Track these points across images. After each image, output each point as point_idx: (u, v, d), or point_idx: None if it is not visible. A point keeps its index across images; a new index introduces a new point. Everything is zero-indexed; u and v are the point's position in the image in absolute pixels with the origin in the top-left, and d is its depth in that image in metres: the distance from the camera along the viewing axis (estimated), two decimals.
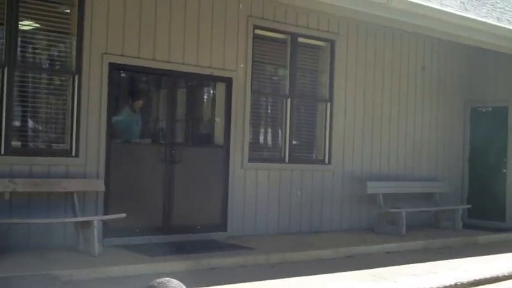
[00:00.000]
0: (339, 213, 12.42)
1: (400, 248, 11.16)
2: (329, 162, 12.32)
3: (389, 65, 13.29)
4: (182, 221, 10.32)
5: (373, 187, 12.51)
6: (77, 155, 9.34)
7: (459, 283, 4.14)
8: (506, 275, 4.45)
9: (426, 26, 10.88)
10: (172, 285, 3.06)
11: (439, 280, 4.02)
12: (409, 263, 9.70)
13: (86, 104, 9.39)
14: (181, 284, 3.12)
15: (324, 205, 12.20)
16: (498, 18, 12.34)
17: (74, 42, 9.43)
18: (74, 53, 9.43)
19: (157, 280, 3.12)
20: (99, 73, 9.52)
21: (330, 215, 12.30)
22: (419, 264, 9.67)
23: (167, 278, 3.14)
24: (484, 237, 12.69)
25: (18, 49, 9.09)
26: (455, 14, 10.94)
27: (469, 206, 14.12)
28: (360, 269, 9.15)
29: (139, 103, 10.85)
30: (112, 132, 10.05)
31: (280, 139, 11.89)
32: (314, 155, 12.50)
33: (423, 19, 10.61)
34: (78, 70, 9.37)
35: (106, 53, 9.58)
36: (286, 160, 11.77)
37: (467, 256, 10.56)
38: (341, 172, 12.45)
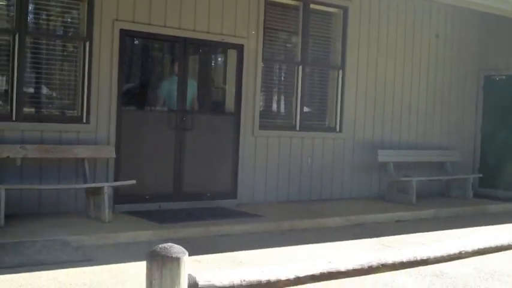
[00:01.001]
0: (349, 182, 12.43)
1: (410, 216, 11.18)
2: (340, 130, 12.31)
3: (402, 32, 13.18)
4: (192, 188, 10.37)
5: (384, 155, 12.50)
6: (88, 122, 9.39)
7: (463, 251, 4.13)
8: None
9: None
10: (174, 251, 3.09)
11: (444, 248, 4.03)
12: (417, 232, 9.75)
13: (96, 70, 9.41)
14: (184, 249, 3.14)
15: (335, 173, 12.21)
16: None
17: (85, 9, 9.43)
18: (85, 19, 9.43)
19: (160, 246, 3.15)
20: (110, 40, 9.52)
21: (341, 183, 12.31)
22: (428, 232, 9.73)
23: (170, 244, 3.17)
24: (494, 207, 12.69)
25: (29, 15, 9.11)
26: None
27: (480, 175, 14.05)
28: (368, 237, 9.21)
29: (175, 65, 10.57)
30: (156, 100, 10.68)
31: (291, 106, 11.87)
32: (325, 122, 12.48)
33: None
34: (89, 36, 9.38)
35: (117, 20, 9.57)
36: (297, 128, 11.75)
37: (476, 225, 10.59)
38: (352, 140, 12.44)
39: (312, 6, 11.84)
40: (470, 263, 7.06)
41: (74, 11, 9.71)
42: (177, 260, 2.91)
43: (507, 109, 14.24)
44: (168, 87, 10.54)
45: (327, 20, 12.43)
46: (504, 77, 14.43)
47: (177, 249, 3.02)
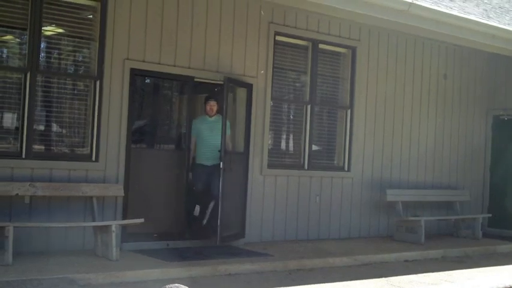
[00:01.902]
0: (358, 221, 12.39)
1: (419, 256, 11.11)
2: (348, 170, 12.31)
3: (410, 71, 13.25)
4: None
5: (392, 195, 12.47)
6: (97, 160, 9.42)
7: None
8: None
9: (448, 34, 10.87)
10: None
11: None
12: (426, 272, 9.69)
13: (106, 109, 9.47)
14: None
15: (343, 212, 12.18)
16: None
17: (96, 48, 9.53)
18: (96, 58, 9.52)
19: (167, 286, 3.15)
20: (121, 79, 9.60)
21: (349, 222, 12.27)
22: (437, 273, 9.65)
23: (176, 284, 3.17)
24: (503, 247, 12.60)
25: (41, 54, 9.21)
26: (477, 22, 10.90)
27: (489, 215, 13.99)
28: (376, 277, 9.14)
29: (211, 105, 10.44)
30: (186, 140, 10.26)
31: (300, 145, 11.89)
32: (334, 161, 12.49)
33: (444, 26, 10.59)
34: (100, 75, 9.46)
35: (127, 59, 9.66)
36: (306, 167, 11.76)
37: (486, 266, 10.52)
38: (360, 179, 12.43)
39: (320, 46, 11.94)
40: None
41: (85, 50, 9.82)
42: None
43: None
44: (199, 126, 10.43)
45: (336, 60, 12.51)
46: None
47: None
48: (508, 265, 10.64)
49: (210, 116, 10.41)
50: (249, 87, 10.91)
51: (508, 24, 11.85)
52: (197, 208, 10.21)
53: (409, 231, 12.30)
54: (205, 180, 10.30)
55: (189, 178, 10.24)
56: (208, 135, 10.32)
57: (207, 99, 10.52)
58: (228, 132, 10.39)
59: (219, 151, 9.97)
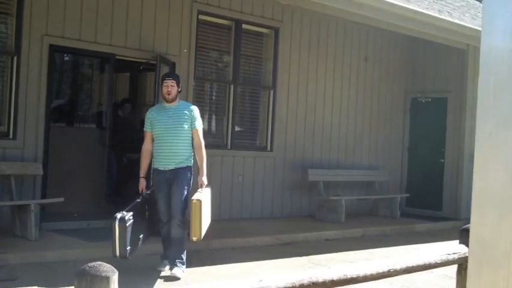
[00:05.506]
0: (280, 200, 12.49)
1: (340, 235, 11.29)
2: (271, 149, 12.37)
3: (332, 54, 13.38)
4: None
5: (314, 174, 12.62)
6: (14, 138, 9.18)
7: (392, 269, 4.19)
8: (439, 262, 4.54)
9: (368, 16, 10.99)
10: (103, 269, 3.01)
11: (373, 267, 4.08)
12: (347, 250, 9.86)
13: (24, 86, 9.22)
14: (114, 268, 3.08)
15: (266, 192, 12.25)
16: (439, 10, 12.56)
17: (13, 23, 9.24)
18: (13, 34, 9.24)
19: (89, 264, 3.07)
20: (39, 55, 9.36)
21: (271, 201, 12.36)
22: (357, 251, 9.84)
23: (99, 262, 3.10)
24: (421, 226, 12.96)
25: None
26: (397, 5, 11.06)
27: (407, 195, 14.36)
28: (298, 255, 9.24)
29: (168, 85, 7.56)
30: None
31: (222, 125, 11.88)
32: (257, 141, 12.53)
33: (365, 9, 10.70)
34: (17, 51, 9.20)
35: (46, 35, 9.42)
36: (229, 146, 11.77)
37: (404, 244, 10.77)
38: (283, 159, 12.52)
39: (244, 26, 11.91)
40: (398, 281, 7.17)
41: (1, 25, 9.50)
42: (106, 279, 2.85)
43: (432, 130, 14.59)
44: (154, 117, 7.73)
45: (259, 41, 12.52)
46: (430, 99, 14.77)
47: (106, 267, 2.96)
48: (424, 243, 10.92)
49: (168, 102, 7.66)
50: (171, 66, 10.80)
51: (426, 8, 12.09)
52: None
53: (330, 211, 12.47)
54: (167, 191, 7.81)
55: (111, 160, 10.03)
56: (168, 127, 7.62)
57: (162, 79, 7.81)
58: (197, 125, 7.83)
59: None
